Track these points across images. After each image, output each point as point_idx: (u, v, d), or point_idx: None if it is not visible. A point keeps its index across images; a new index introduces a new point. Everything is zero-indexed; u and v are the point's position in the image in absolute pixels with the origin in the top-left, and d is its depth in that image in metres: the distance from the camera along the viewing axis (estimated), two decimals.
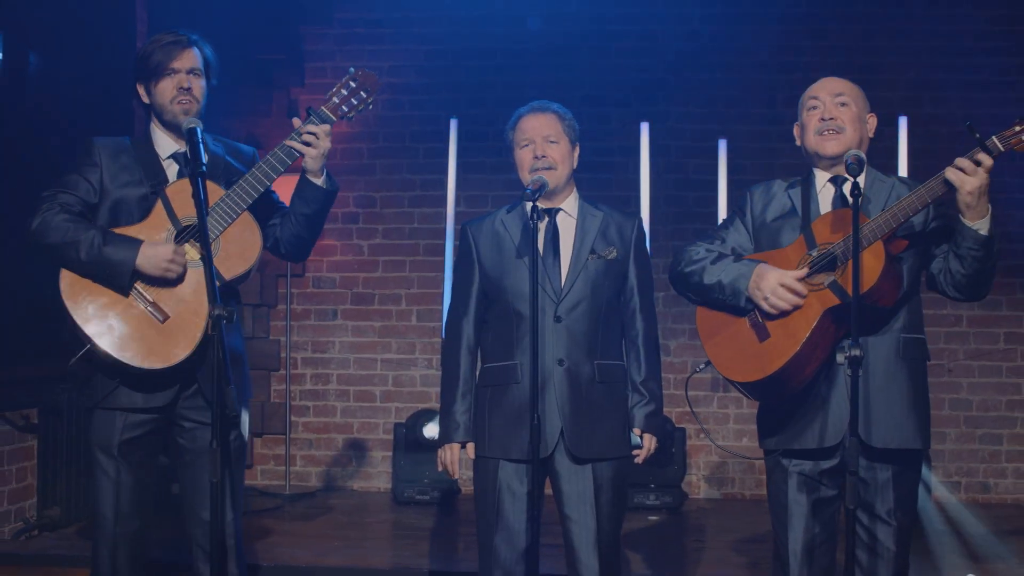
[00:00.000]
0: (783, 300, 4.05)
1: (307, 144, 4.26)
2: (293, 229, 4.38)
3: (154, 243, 4.13)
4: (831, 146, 4.14)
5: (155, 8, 7.94)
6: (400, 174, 8.64)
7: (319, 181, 4.34)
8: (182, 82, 4.26)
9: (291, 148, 4.25)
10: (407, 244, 8.64)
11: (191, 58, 4.29)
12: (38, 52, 7.01)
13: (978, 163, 3.83)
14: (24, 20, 6.82)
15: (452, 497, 7.94)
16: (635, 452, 4.46)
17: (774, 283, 4.08)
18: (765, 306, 4.09)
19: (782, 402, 4.21)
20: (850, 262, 3.88)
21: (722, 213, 7.98)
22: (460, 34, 8.52)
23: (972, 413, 8.18)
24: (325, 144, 4.28)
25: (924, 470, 7.50)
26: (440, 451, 4.52)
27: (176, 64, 4.26)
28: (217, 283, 3.87)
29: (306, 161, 4.29)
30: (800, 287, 4.04)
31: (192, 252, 4.16)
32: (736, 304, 4.18)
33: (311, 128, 4.26)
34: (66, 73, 7.19)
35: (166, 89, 4.26)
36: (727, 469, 8.40)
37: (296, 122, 4.31)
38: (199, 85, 4.31)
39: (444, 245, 8.21)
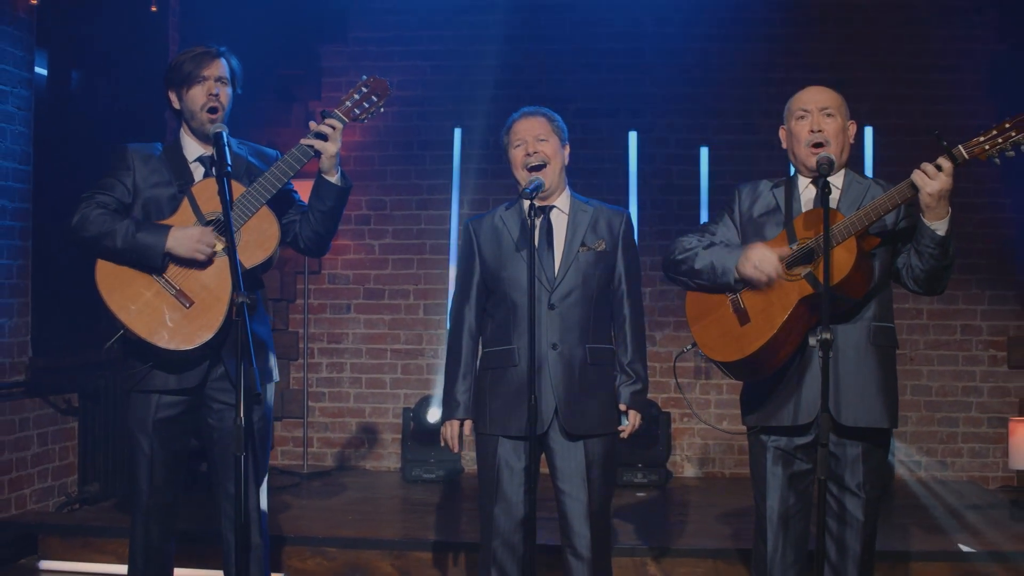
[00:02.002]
0: (770, 265, 4.09)
1: (320, 137, 4.26)
2: (312, 226, 4.40)
3: (183, 227, 4.16)
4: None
5: (186, 27, 7.98)
6: (408, 179, 8.66)
7: (333, 179, 4.35)
8: (211, 88, 4.29)
9: (306, 147, 4.26)
10: (414, 244, 8.65)
11: (219, 67, 4.32)
12: (80, 69, 7.05)
13: (939, 168, 3.86)
14: (67, 40, 6.87)
15: (456, 476, 7.96)
16: (621, 428, 4.49)
17: (761, 252, 4.13)
18: (753, 271, 4.11)
19: (758, 382, 4.25)
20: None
21: (704, 216, 8.03)
22: (463, 52, 8.54)
23: (932, 398, 8.21)
24: (336, 142, 4.29)
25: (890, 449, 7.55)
26: (443, 427, 4.56)
27: (206, 72, 4.29)
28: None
29: (321, 160, 4.30)
30: (779, 257, 4.12)
31: (216, 244, 4.18)
32: (726, 282, 4.21)
33: (323, 127, 4.27)
34: (105, 87, 7.23)
35: (196, 96, 4.29)
36: (709, 450, 8.41)
37: (313, 125, 4.32)
38: (226, 92, 4.33)
39: (448, 244, 8.27)
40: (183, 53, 4.36)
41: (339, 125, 4.29)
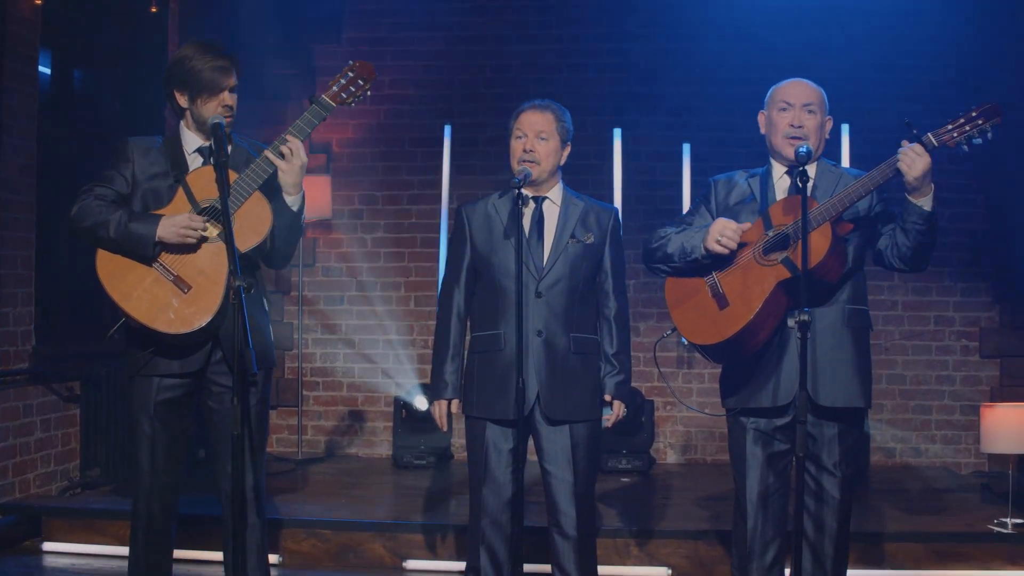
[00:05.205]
0: (731, 234, 4.15)
1: (281, 156, 4.25)
2: (275, 241, 4.39)
3: (171, 216, 4.17)
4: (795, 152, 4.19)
5: (184, 27, 7.98)
6: (399, 175, 8.68)
7: (291, 200, 4.33)
8: (226, 100, 4.28)
9: (281, 144, 4.27)
10: (406, 237, 8.69)
11: (234, 77, 4.32)
12: (82, 67, 7.07)
13: (918, 152, 3.93)
14: (71, 41, 6.90)
15: (446, 461, 7.99)
16: (605, 418, 4.52)
17: (721, 226, 4.18)
18: (715, 245, 4.16)
19: (738, 364, 4.28)
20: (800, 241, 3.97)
21: (686, 210, 8.04)
22: (453, 52, 8.57)
23: (906, 387, 8.27)
24: (293, 162, 4.27)
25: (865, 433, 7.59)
26: (432, 407, 4.61)
27: (225, 84, 4.28)
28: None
29: (281, 176, 4.28)
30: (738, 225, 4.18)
31: (211, 230, 4.20)
32: (695, 259, 4.25)
33: (285, 148, 4.25)
34: (106, 85, 7.24)
35: (213, 107, 4.26)
36: (691, 437, 8.46)
37: (306, 102, 4.34)
38: (235, 99, 4.34)
39: (439, 238, 8.28)
40: (199, 58, 4.27)
41: (298, 144, 4.28)
